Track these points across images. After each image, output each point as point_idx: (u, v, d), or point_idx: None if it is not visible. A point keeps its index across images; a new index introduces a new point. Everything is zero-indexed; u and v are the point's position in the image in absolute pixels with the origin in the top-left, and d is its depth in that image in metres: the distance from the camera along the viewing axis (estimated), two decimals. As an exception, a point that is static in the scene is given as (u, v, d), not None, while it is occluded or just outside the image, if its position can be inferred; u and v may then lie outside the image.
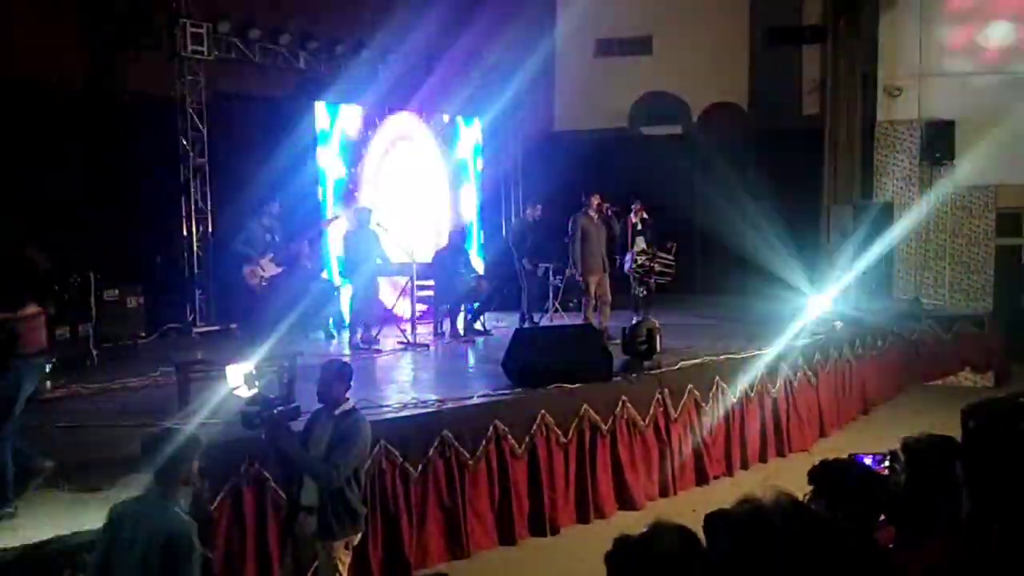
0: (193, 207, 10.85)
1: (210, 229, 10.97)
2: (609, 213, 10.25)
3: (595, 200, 10.08)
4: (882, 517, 3.00)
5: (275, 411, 4.21)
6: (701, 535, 1.76)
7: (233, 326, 10.46)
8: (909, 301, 13.59)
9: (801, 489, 3.10)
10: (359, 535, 4.58)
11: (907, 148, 14.28)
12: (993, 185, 13.96)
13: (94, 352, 8.60)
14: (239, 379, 4.77)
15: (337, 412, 4.47)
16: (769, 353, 8.87)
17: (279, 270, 9.49)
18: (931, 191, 14.12)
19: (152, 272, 10.51)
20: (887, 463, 3.58)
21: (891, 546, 2.65)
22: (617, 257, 10.58)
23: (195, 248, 10.89)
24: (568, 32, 15.49)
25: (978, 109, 13.71)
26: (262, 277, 9.28)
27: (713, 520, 1.66)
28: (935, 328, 12.57)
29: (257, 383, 4.44)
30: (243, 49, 11.06)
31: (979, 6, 13.92)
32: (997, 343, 12.53)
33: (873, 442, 5.75)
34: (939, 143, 13.89)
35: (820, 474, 3.09)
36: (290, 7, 11.09)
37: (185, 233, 10.85)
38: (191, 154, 10.79)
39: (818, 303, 10.61)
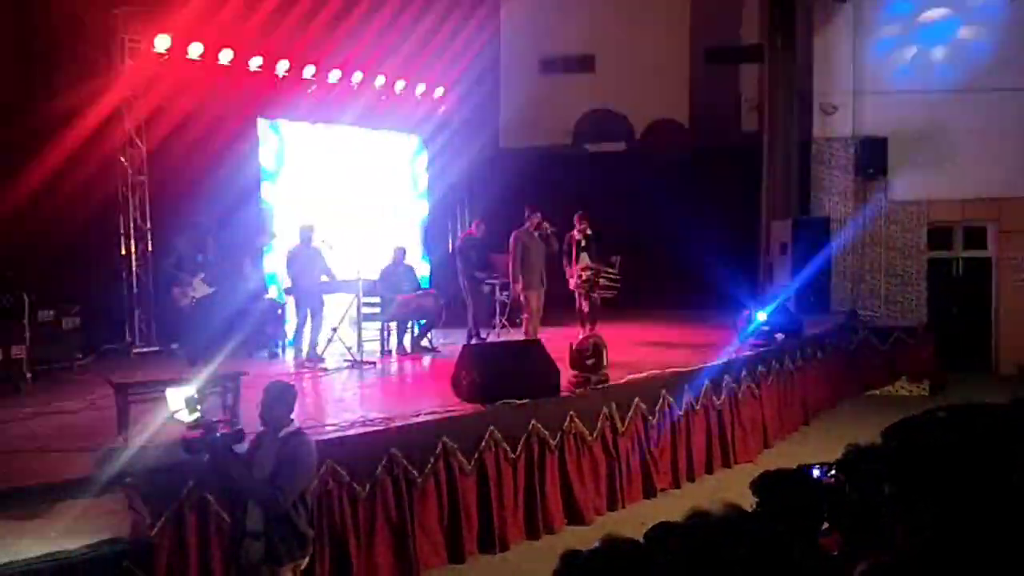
0: (132, 225, 10.60)
1: (149, 248, 10.73)
2: (549, 231, 10.36)
3: (536, 218, 10.26)
4: (826, 525, 3.06)
5: (218, 434, 4.13)
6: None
7: (174, 347, 10.21)
8: (846, 313, 13.96)
9: (747, 500, 3.16)
10: (307, 559, 4.51)
11: (842, 164, 14.68)
12: (924, 200, 14.42)
13: (28, 375, 8.34)
14: (180, 402, 4.66)
15: (281, 434, 4.40)
16: (713, 366, 9.01)
17: (211, 290, 9.17)
18: (865, 206, 14.53)
19: (89, 293, 10.21)
20: (833, 473, 3.65)
21: (836, 553, 2.71)
22: (566, 270, 10.66)
23: (133, 267, 10.63)
24: (512, 50, 15.62)
25: (910, 126, 14.18)
26: (192, 297, 9.03)
27: (657, 534, 1.67)
28: (872, 339, 12.94)
29: (199, 407, 4.34)
30: (184, 65, 10.87)
31: (910, 26, 14.41)
32: (931, 353, 12.92)
33: (816, 452, 5.88)
34: (872, 159, 14.31)
35: (763, 485, 3.14)
36: (232, 24, 10.92)
37: (123, 252, 10.59)
38: (129, 171, 10.55)
39: (759, 316, 10.81)
